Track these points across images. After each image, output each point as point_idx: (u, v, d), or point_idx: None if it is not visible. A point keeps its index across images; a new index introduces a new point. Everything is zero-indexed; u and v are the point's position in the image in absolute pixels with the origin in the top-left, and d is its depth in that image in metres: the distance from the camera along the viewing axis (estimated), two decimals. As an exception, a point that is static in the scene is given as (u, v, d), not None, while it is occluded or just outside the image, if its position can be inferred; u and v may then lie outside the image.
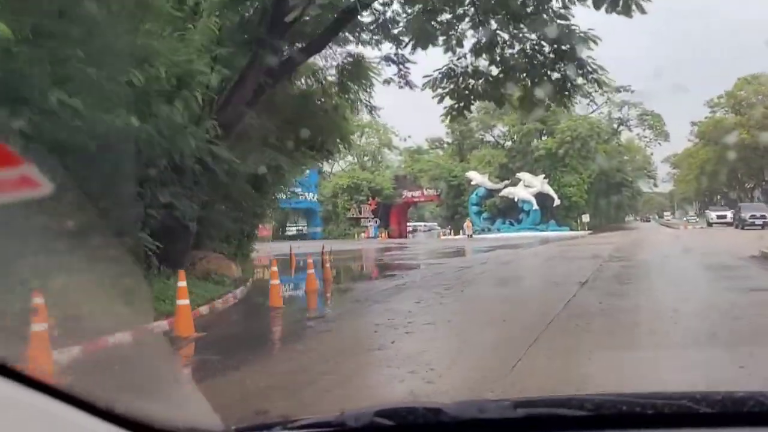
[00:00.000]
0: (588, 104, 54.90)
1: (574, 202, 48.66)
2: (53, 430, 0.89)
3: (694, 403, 1.32)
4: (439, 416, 1.32)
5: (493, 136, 56.92)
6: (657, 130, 55.57)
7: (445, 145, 59.10)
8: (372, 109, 16.91)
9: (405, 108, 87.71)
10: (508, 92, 15.16)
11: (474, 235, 47.69)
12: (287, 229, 71.20)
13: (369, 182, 61.61)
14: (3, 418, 0.83)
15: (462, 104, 15.21)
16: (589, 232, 45.45)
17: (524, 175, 48.59)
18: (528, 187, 48.25)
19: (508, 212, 50.33)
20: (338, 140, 16.70)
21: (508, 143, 54.13)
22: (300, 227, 70.09)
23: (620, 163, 57.92)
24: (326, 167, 74.08)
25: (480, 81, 14.98)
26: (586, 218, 46.51)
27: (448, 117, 15.42)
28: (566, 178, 48.68)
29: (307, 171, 70.15)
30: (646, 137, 57.82)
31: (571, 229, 47.77)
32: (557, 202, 48.10)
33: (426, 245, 36.92)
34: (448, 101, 15.28)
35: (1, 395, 0.85)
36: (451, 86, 15.03)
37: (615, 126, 57.05)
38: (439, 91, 15.07)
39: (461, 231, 49.54)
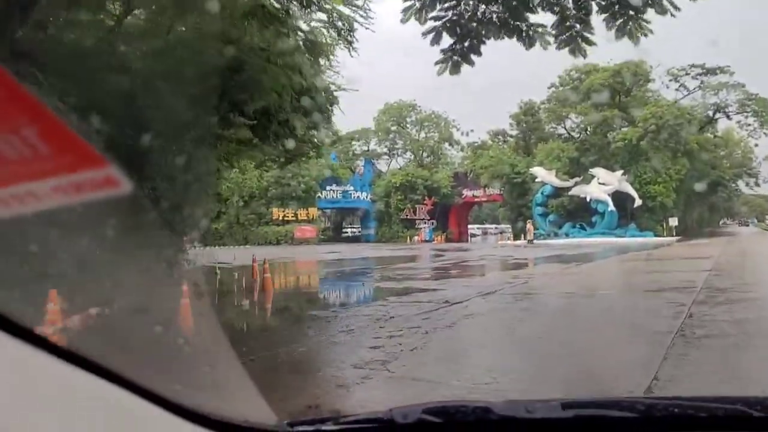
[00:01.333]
0: (677, 88, 47.60)
1: (659, 202, 41.37)
2: (103, 410, 0.89)
3: (747, 407, 1.30)
4: (487, 414, 1.33)
5: (565, 128, 50.15)
6: (763, 118, 46.92)
7: (509, 139, 52.74)
8: (349, 45, 11.60)
9: (465, 100, 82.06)
10: (537, 23, 9.61)
11: (536, 241, 41.38)
12: (343, 230, 66.96)
13: (425, 180, 56.17)
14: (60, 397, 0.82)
15: (466, 44, 9.76)
16: (677, 238, 38.20)
17: (598, 171, 41.78)
18: (603, 185, 41.42)
19: (579, 214, 43.60)
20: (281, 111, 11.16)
21: (579, 134, 47.26)
22: (355, 228, 65.57)
23: (715, 158, 49.70)
24: (381, 164, 69.75)
25: (493, 4, 9.51)
26: (673, 222, 39.21)
27: (447, 66, 9.95)
28: (649, 175, 41.50)
29: (361, 167, 66.40)
30: (749, 125, 49.03)
31: (656, 235, 40.58)
32: (638, 202, 41.03)
33: (462, 254, 31.17)
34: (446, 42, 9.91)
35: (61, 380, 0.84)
36: (449, 14, 9.63)
37: (710, 113, 48.81)
38: (432, 24, 9.74)
39: (522, 235, 43.30)
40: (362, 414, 1.41)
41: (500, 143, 54.13)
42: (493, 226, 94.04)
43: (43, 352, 0.80)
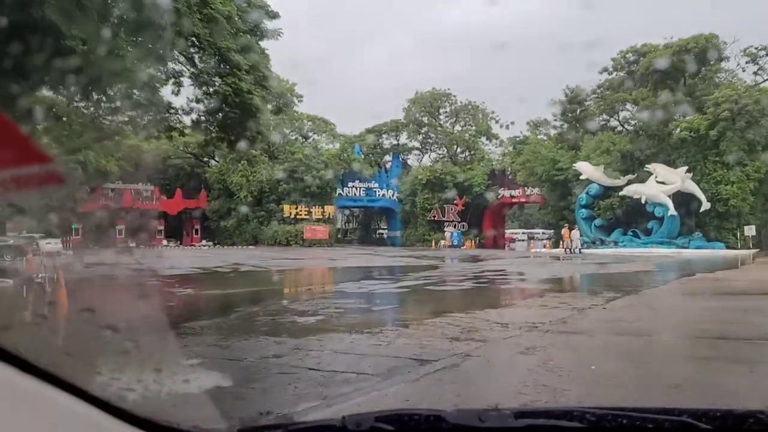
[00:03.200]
0: (756, 71, 39.68)
1: (732, 206, 33.84)
2: (54, 420, 0.88)
3: (694, 419, 1.32)
4: (440, 422, 1.33)
5: (618, 119, 42.86)
6: None
7: (551, 130, 45.82)
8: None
9: (506, 87, 75.22)
10: None
11: (580, 249, 34.52)
12: (365, 231, 61.13)
13: (455, 177, 49.77)
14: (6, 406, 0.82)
15: None
16: (755, 251, 30.71)
17: (657, 168, 34.54)
18: (662, 184, 34.17)
19: (632, 219, 36.40)
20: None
21: (634, 124, 39.89)
22: (381, 230, 59.65)
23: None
24: (412, 160, 63.56)
25: None
26: (749, 231, 31.68)
27: None
28: (720, 173, 34.03)
29: (388, 161, 60.39)
30: None
31: (727, 246, 33.11)
32: (705, 205, 33.65)
33: (478, 266, 24.87)
34: None
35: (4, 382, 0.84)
36: None
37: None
38: None
39: (562, 243, 36.45)
40: (315, 421, 1.43)
41: (541, 135, 47.18)
42: (540, 230, 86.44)
43: None
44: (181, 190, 51.65)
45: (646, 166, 34.91)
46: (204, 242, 51.24)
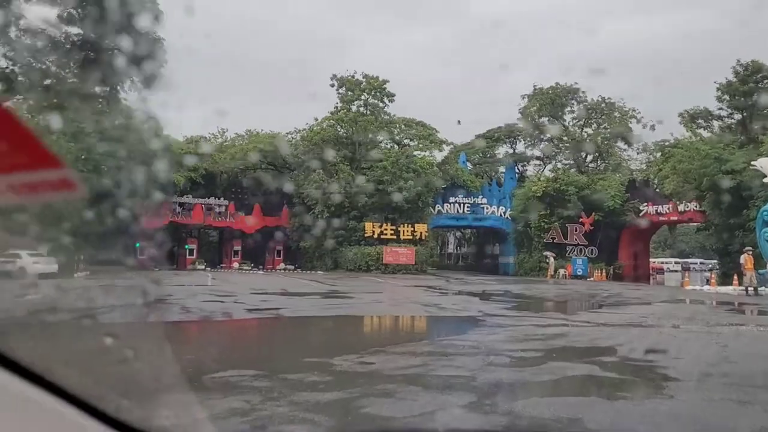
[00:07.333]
0: None
1: None
2: (46, 427, 0.85)
3: None
4: None
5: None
6: None
7: (714, 123, 33.80)
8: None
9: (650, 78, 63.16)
10: None
11: (761, 290, 22.81)
12: (484, 256, 51.31)
13: (580, 189, 39.01)
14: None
15: None
16: None
17: None
18: None
19: None
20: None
21: None
22: (495, 254, 49.57)
23: None
24: (531, 171, 53.07)
25: None
26: None
27: None
28: None
29: (502, 173, 50.44)
30: None
31: None
32: None
33: (611, 315, 14.81)
34: None
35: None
36: None
37: None
38: None
39: (739, 277, 24.68)
40: None
41: (699, 129, 35.22)
42: (697, 260, 70.96)
43: None
44: (260, 205, 45.49)
45: None
46: (284, 265, 44.53)
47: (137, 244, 39.29)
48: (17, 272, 22.28)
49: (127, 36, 12.91)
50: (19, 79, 12.73)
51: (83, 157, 21.70)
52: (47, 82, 12.35)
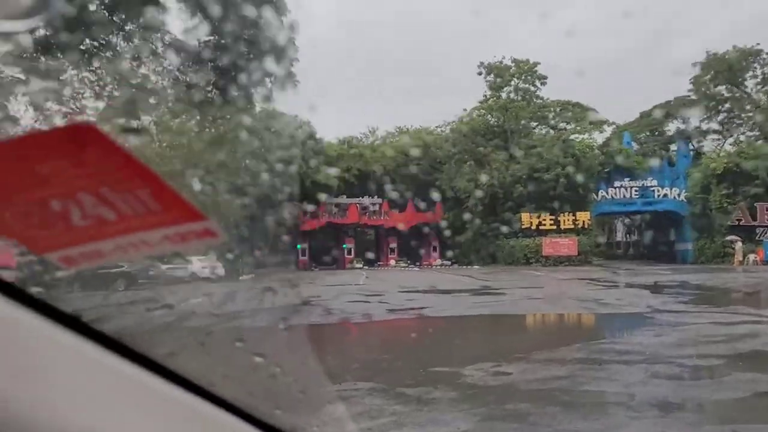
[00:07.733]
0: None
1: None
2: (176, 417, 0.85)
3: None
4: None
5: None
6: None
7: None
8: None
9: None
10: None
11: None
12: (657, 243, 46.92)
13: (770, 162, 34.05)
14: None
15: None
16: None
17: None
18: None
19: None
20: None
21: None
22: (669, 241, 45.07)
23: None
24: (708, 146, 47.42)
25: None
26: None
27: None
28: None
29: (673, 152, 45.68)
30: None
31: None
32: None
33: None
34: None
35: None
36: None
37: None
38: None
39: None
40: None
41: None
42: None
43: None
44: (413, 202, 45.52)
45: None
46: (440, 261, 44.19)
47: (298, 246, 41.36)
48: (189, 277, 24.10)
49: (268, 39, 13.01)
50: (169, 91, 13.36)
51: (245, 164, 22.83)
52: (193, 95, 12.76)
